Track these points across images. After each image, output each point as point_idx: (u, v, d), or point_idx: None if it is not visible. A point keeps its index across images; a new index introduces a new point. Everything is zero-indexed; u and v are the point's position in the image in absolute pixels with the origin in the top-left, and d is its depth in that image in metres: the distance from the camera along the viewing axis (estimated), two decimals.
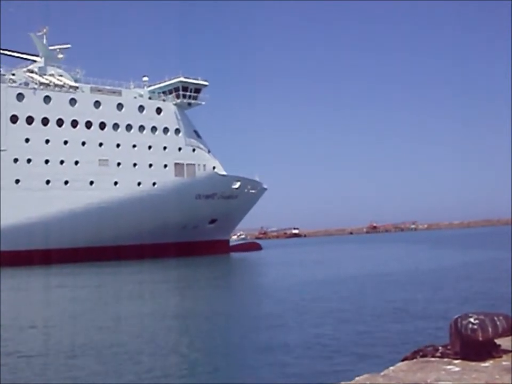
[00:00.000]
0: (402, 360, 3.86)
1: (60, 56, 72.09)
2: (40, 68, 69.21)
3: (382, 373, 3.54)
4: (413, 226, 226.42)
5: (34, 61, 71.05)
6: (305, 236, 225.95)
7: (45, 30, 71.75)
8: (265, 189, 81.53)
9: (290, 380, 11.85)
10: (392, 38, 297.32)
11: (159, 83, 74.41)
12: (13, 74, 66.04)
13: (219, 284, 36.66)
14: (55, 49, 71.99)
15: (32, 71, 68.16)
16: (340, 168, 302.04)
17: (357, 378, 3.45)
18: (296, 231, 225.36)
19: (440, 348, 3.87)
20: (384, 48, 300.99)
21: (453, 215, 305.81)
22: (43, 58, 70.43)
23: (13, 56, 72.08)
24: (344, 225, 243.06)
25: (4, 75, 65.08)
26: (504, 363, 3.55)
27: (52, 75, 68.66)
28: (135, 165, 69.77)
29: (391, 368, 3.64)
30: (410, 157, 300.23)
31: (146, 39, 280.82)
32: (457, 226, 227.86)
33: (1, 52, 71.46)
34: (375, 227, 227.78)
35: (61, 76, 69.46)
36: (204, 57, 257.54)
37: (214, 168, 74.88)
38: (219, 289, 33.25)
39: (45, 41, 71.46)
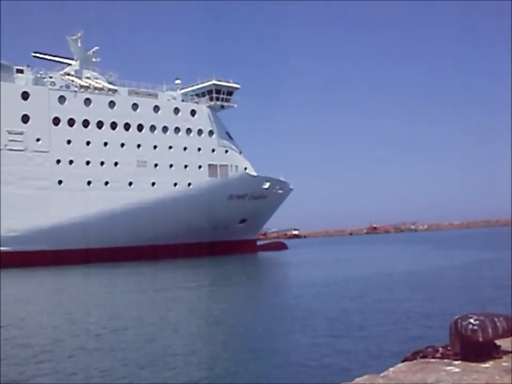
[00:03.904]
0: (403, 361, 3.89)
1: (94, 59, 73.39)
2: (75, 71, 70.45)
3: (382, 374, 3.56)
4: (412, 227, 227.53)
5: (69, 64, 72.32)
6: (305, 236, 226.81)
7: (79, 34, 72.84)
8: (291, 189, 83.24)
9: (290, 380, 12.03)
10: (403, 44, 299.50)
11: (192, 86, 75.88)
12: (50, 77, 67.23)
13: (253, 283, 37.19)
14: (89, 53, 73.27)
15: (68, 74, 69.38)
16: (339, 169, 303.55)
17: (357, 379, 3.49)
18: (296, 232, 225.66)
19: (440, 348, 3.89)
20: (386, 55, 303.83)
21: (453, 216, 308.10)
22: (78, 61, 71.65)
23: (49, 59, 73.33)
24: (344, 226, 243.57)
25: (44, 78, 66.33)
26: (504, 364, 3.58)
27: (88, 78, 69.96)
28: (171, 166, 71.22)
29: (391, 369, 3.68)
30: (410, 158, 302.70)
31: (175, 43, 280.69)
32: (457, 227, 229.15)
33: (38, 55, 72.76)
34: (375, 228, 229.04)
35: (96, 78, 70.81)
36: (231, 59, 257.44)
37: (245, 169, 76.50)
38: (252, 289, 33.42)
39: (79, 44, 72.71)
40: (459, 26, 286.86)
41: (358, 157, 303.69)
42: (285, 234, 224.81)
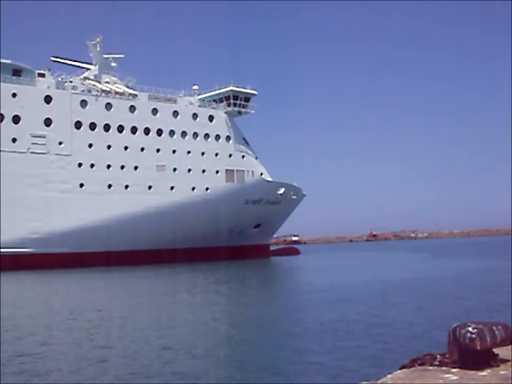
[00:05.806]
0: (401, 368, 3.90)
1: (113, 64, 74.24)
2: (95, 76, 71.26)
3: (379, 381, 3.58)
4: (412, 235, 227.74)
5: (88, 69, 73.10)
6: (304, 243, 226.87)
7: (98, 39, 73.77)
8: (305, 195, 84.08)
9: None
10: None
11: (209, 92, 76.78)
12: (71, 82, 68.00)
13: (270, 288, 37.69)
14: (108, 58, 74.11)
15: (88, 79, 70.17)
16: (339, 175, 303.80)
17: None
18: (296, 238, 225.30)
19: (438, 356, 3.89)
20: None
21: (453, 224, 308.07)
22: (97, 66, 72.50)
23: (68, 64, 74.11)
24: (344, 233, 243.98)
25: (65, 82, 67.10)
26: (502, 372, 3.58)
27: (107, 82, 70.77)
28: (189, 170, 72.03)
29: (389, 376, 3.67)
30: (410, 166, 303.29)
31: (192, 48, 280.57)
32: (457, 235, 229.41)
33: (58, 60, 73.52)
34: (374, 235, 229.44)
35: (115, 83, 71.65)
36: (248, 65, 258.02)
37: (261, 174, 77.36)
38: (269, 292, 33.79)
39: (98, 49, 73.52)
40: (458, 40, 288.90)
41: (359, 164, 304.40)
42: (285, 240, 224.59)
